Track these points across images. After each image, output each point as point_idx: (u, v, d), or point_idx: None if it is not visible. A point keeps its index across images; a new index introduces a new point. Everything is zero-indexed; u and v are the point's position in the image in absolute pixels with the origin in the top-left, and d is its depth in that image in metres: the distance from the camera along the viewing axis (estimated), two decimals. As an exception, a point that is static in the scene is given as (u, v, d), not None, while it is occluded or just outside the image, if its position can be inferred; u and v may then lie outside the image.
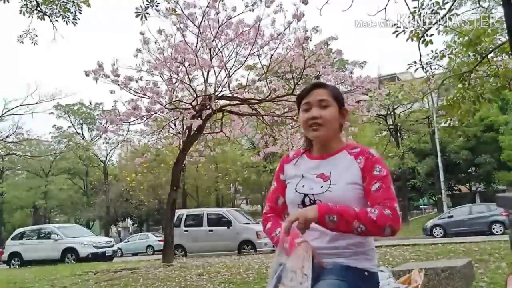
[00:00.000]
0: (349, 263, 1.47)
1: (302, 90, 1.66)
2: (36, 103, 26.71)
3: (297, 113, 1.69)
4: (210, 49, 8.17)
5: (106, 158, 38.30)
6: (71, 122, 38.39)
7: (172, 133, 10.46)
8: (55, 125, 37.58)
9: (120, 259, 18.31)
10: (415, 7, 6.42)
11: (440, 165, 23.91)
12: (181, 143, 9.43)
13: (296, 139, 8.84)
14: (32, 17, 7.33)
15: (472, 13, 9.39)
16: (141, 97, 8.25)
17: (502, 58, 7.70)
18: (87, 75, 7.93)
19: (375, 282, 1.53)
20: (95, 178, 39.00)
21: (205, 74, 8.50)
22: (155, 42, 8.12)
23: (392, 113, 28.74)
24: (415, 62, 7.19)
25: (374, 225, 1.38)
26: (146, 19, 6.59)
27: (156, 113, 8.53)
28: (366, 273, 1.49)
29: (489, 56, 7.25)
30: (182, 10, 7.83)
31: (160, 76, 8.39)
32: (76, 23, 7.30)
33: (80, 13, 7.28)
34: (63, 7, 7.22)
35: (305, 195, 1.52)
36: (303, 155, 1.65)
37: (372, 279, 1.51)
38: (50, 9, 7.31)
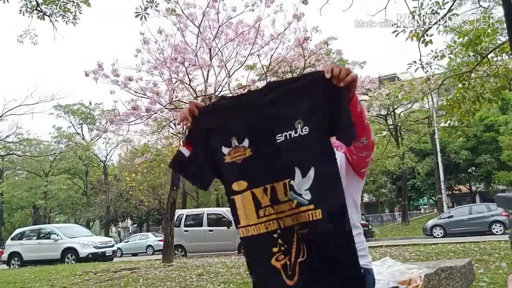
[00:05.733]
0: None
1: None
2: (36, 103, 26.62)
3: None
4: (210, 49, 8.17)
5: (106, 158, 38.28)
6: (70, 122, 38.36)
7: (172, 133, 10.46)
8: (54, 125, 37.64)
9: (120, 259, 18.32)
10: (415, 7, 6.42)
11: (440, 165, 23.90)
12: (181, 143, 9.43)
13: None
14: (32, 17, 7.33)
15: (472, 13, 9.39)
16: (141, 97, 8.27)
17: (502, 58, 7.70)
18: (87, 75, 7.94)
19: (371, 279, 1.56)
20: (95, 178, 38.94)
21: (205, 74, 8.51)
22: (155, 42, 8.13)
23: (392, 113, 28.72)
24: (415, 62, 7.18)
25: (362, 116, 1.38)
26: (146, 19, 6.59)
27: (156, 113, 8.53)
28: (361, 270, 1.50)
29: (489, 56, 7.24)
30: (182, 10, 7.84)
31: (160, 76, 8.40)
32: (76, 23, 7.31)
33: (80, 13, 7.29)
34: (63, 7, 7.22)
35: None
36: None
37: (368, 276, 1.54)
38: (50, 9, 7.31)
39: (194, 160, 1.44)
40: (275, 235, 1.30)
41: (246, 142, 1.34)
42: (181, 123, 1.45)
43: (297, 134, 1.28)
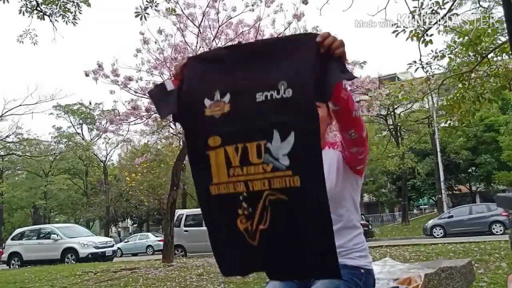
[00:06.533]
0: (345, 261, 1.49)
1: None
2: (36, 103, 26.79)
3: None
4: (210, 49, 8.17)
5: (106, 158, 38.26)
6: (70, 122, 38.34)
7: (172, 133, 10.46)
8: (54, 125, 37.65)
9: (120, 259, 18.31)
10: (415, 7, 6.41)
11: (440, 165, 23.90)
12: (181, 143, 9.44)
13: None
14: (32, 17, 7.33)
15: (472, 13, 9.40)
16: (141, 97, 8.27)
17: (502, 58, 7.69)
18: (86, 75, 7.95)
19: (372, 279, 1.56)
20: (95, 178, 38.94)
21: (205, 74, 8.50)
22: (155, 42, 8.14)
23: (392, 113, 28.73)
24: (415, 62, 7.18)
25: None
26: (146, 19, 6.60)
27: (156, 113, 8.54)
28: (362, 270, 1.52)
29: (489, 56, 7.24)
30: (182, 10, 7.85)
31: (160, 76, 8.41)
32: (76, 23, 7.30)
33: (80, 13, 7.28)
34: (63, 7, 7.22)
35: None
36: None
37: (368, 276, 1.54)
38: (50, 9, 7.31)
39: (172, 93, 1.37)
40: (240, 197, 1.26)
41: (227, 97, 1.27)
42: (174, 77, 1.37)
43: (279, 96, 1.20)
